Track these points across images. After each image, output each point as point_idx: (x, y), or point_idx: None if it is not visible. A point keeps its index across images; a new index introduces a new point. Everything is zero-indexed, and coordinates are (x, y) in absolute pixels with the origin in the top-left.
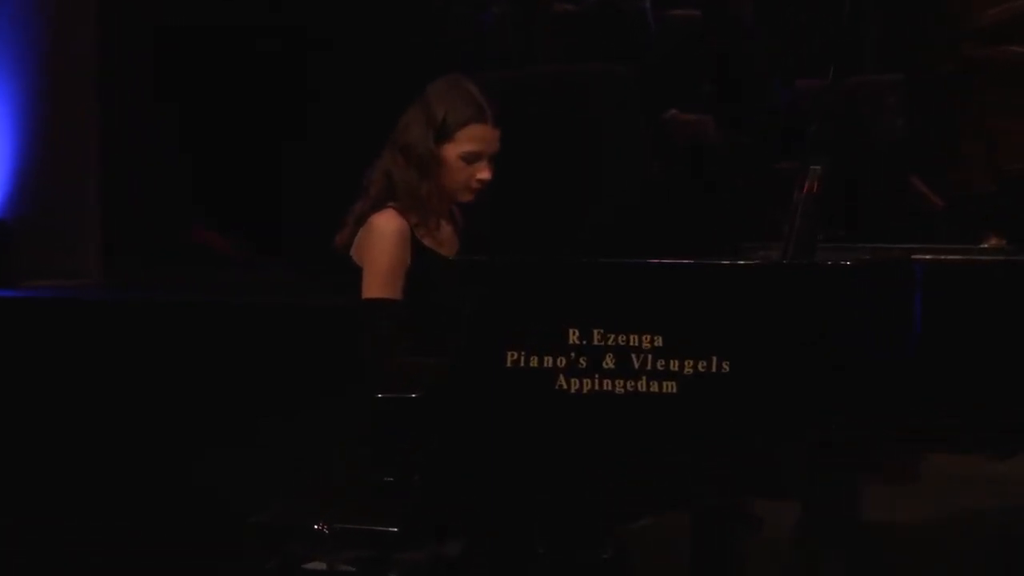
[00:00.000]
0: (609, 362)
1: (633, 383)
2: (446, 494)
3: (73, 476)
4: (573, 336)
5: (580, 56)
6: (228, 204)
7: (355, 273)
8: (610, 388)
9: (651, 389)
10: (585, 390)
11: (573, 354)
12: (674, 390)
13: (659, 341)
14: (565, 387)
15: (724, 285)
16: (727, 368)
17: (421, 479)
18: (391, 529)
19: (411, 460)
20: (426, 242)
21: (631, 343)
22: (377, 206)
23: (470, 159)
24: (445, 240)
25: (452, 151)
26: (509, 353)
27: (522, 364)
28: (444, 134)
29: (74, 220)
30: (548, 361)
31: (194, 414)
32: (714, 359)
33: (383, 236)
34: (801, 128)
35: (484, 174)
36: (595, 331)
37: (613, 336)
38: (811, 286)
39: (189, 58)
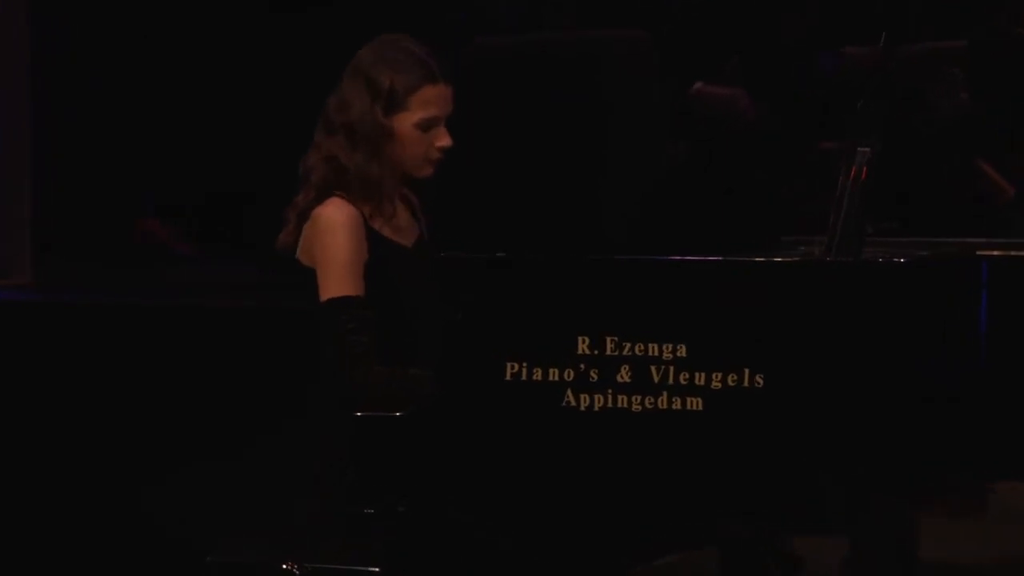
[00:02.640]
0: (624, 375)
1: (652, 399)
2: (435, 528)
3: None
4: (583, 345)
5: (590, 20)
6: (180, 193)
7: (307, 277)
8: (625, 405)
9: (673, 406)
10: (596, 407)
11: (583, 366)
12: (700, 408)
13: (682, 351)
14: (573, 404)
15: (758, 286)
16: (761, 383)
17: (406, 510)
18: (371, 569)
19: (395, 488)
20: (383, 232)
21: (650, 353)
22: (321, 197)
23: (426, 126)
24: (403, 227)
25: (405, 121)
26: (508, 365)
27: (523, 377)
28: (394, 104)
29: (1, 214)
30: (554, 374)
31: (141, 434)
32: (746, 372)
33: (332, 229)
34: (848, 103)
35: (444, 140)
36: (608, 339)
37: (629, 345)
38: (859, 287)
39: (137, 33)
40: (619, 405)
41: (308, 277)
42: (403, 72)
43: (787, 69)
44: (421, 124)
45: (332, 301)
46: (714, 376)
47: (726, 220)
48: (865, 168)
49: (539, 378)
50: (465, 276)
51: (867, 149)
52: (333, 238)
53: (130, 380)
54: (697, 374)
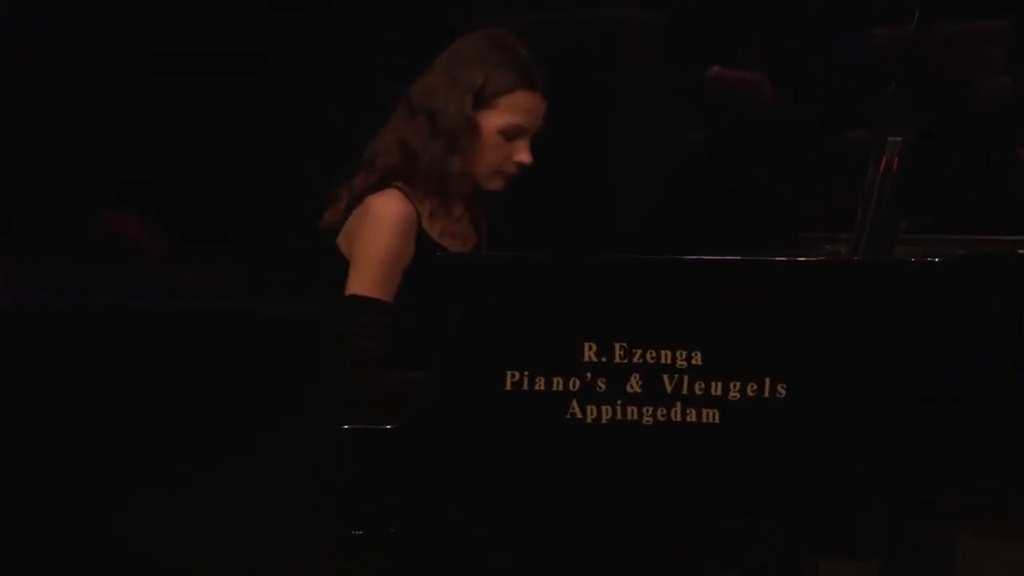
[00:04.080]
0: (634, 385)
1: (664, 411)
2: (430, 550)
3: None
4: (589, 352)
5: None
6: (152, 185)
7: (339, 265)
8: (635, 417)
9: (687, 418)
10: (604, 419)
11: (589, 374)
12: (716, 420)
13: (697, 358)
14: (579, 416)
15: (780, 287)
16: (783, 392)
17: (399, 532)
18: None
19: (385, 508)
20: (435, 236)
21: (662, 360)
22: (382, 184)
23: (511, 134)
24: (461, 234)
25: (490, 122)
26: (508, 374)
27: (525, 387)
28: (481, 101)
29: None
30: (558, 383)
31: (111, 447)
32: (767, 381)
33: (381, 222)
34: (878, 89)
35: (524, 156)
36: (617, 345)
37: (639, 352)
38: (890, 289)
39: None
40: (628, 417)
41: (339, 268)
42: (499, 70)
43: (811, 51)
44: (506, 130)
45: (355, 298)
46: (732, 386)
47: (745, 215)
48: (896, 159)
49: (541, 388)
50: (460, 277)
51: (898, 139)
52: (379, 232)
53: (100, 388)
54: (713, 383)
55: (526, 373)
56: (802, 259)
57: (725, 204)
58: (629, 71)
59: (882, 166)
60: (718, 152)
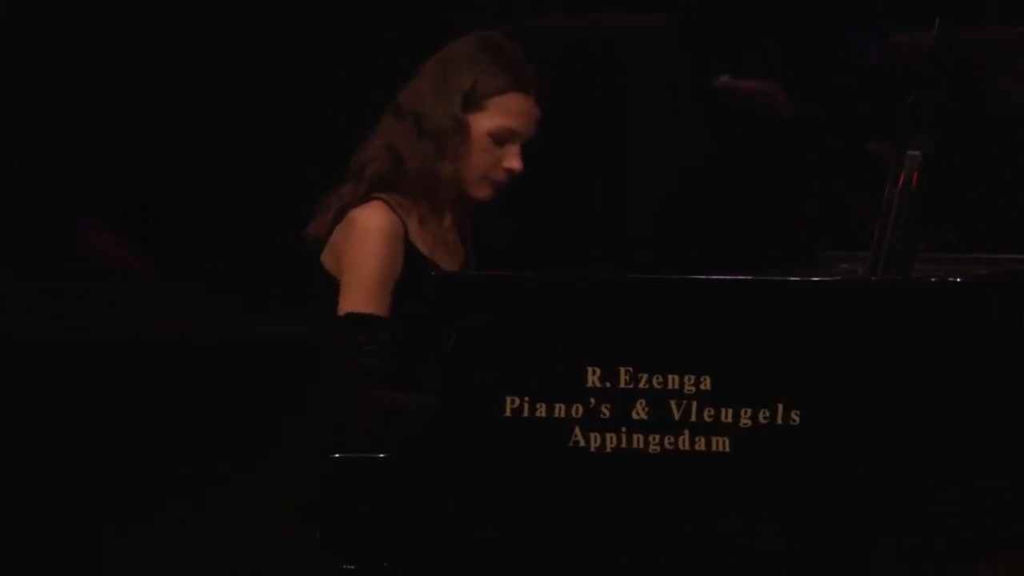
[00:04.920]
0: (640, 411)
1: (672, 439)
2: None
3: None
4: (593, 376)
5: (599, 3)
6: (130, 199)
7: (325, 282)
8: (641, 445)
9: (696, 447)
10: (609, 448)
11: (593, 400)
12: (726, 449)
13: (706, 383)
14: (582, 444)
15: (793, 309)
16: (797, 419)
17: (392, 566)
18: None
19: (379, 541)
20: (423, 250)
21: (669, 386)
22: (369, 195)
23: (501, 138)
24: (450, 247)
25: (480, 124)
26: (508, 399)
27: (526, 414)
28: (471, 103)
29: None
30: (560, 410)
31: (81, 481)
32: (780, 408)
33: (368, 236)
34: (897, 98)
35: (514, 162)
36: (622, 370)
37: (646, 377)
38: (909, 311)
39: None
40: (634, 445)
41: (324, 285)
42: (490, 72)
43: (825, 58)
44: (495, 134)
45: (352, 316)
46: (743, 412)
47: (756, 232)
48: (916, 173)
49: (543, 414)
50: (457, 296)
51: (918, 151)
52: (367, 246)
53: (70, 419)
54: (723, 410)
55: (526, 399)
56: (817, 279)
57: (735, 220)
58: (634, 79)
59: (901, 181)
60: (728, 165)
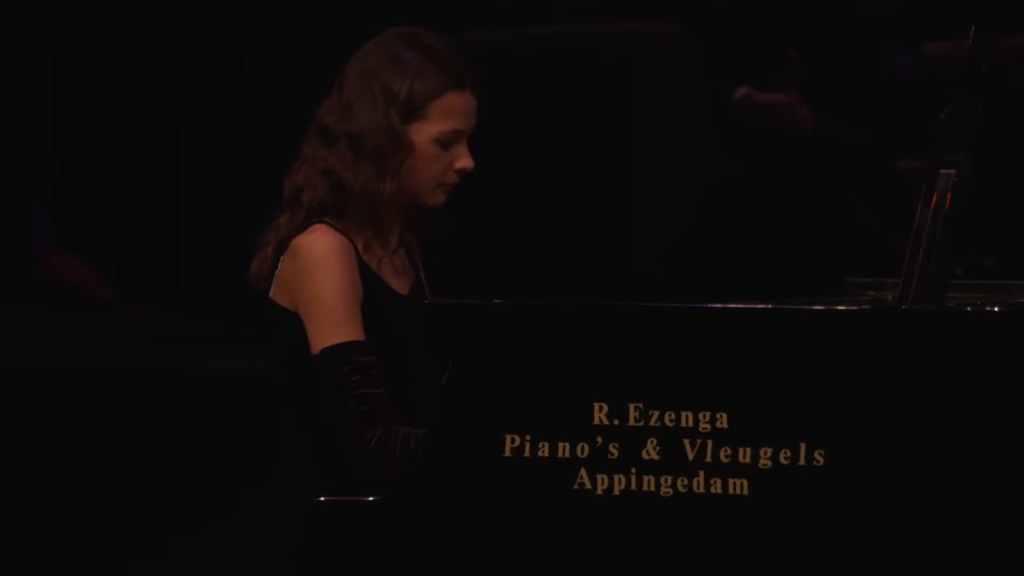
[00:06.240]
0: (651, 451)
1: (686, 481)
2: None
3: None
4: (600, 413)
5: (610, 10)
6: (96, 223)
7: (279, 320)
8: (652, 488)
9: (712, 490)
10: (617, 490)
11: (600, 439)
12: (744, 492)
13: (723, 421)
14: (588, 486)
15: (817, 340)
16: (821, 460)
17: None
18: None
19: None
20: (379, 271)
21: (683, 424)
22: (309, 222)
23: (447, 141)
24: (400, 270)
25: (423, 134)
26: (508, 438)
27: (526, 453)
28: (409, 112)
29: None
30: (564, 449)
31: (51, 520)
32: (802, 448)
33: (320, 262)
34: (929, 112)
35: (464, 161)
36: (631, 406)
37: (657, 414)
38: (943, 342)
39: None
40: (645, 488)
41: (278, 321)
42: (423, 74)
43: (851, 69)
44: (441, 138)
45: (330, 351)
46: (762, 452)
47: (778, 256)
48: (950, 193)
49: (545, 454)
50: (454, 326)
51: (952, 170)
52: (322, 272)
53: (36, 458)
54: (741, 450)
55: (528, 437)
56: (842, 308)
57: (755, 243)
58: (649, 93)
59: (934, 202)
60: (748, 184)
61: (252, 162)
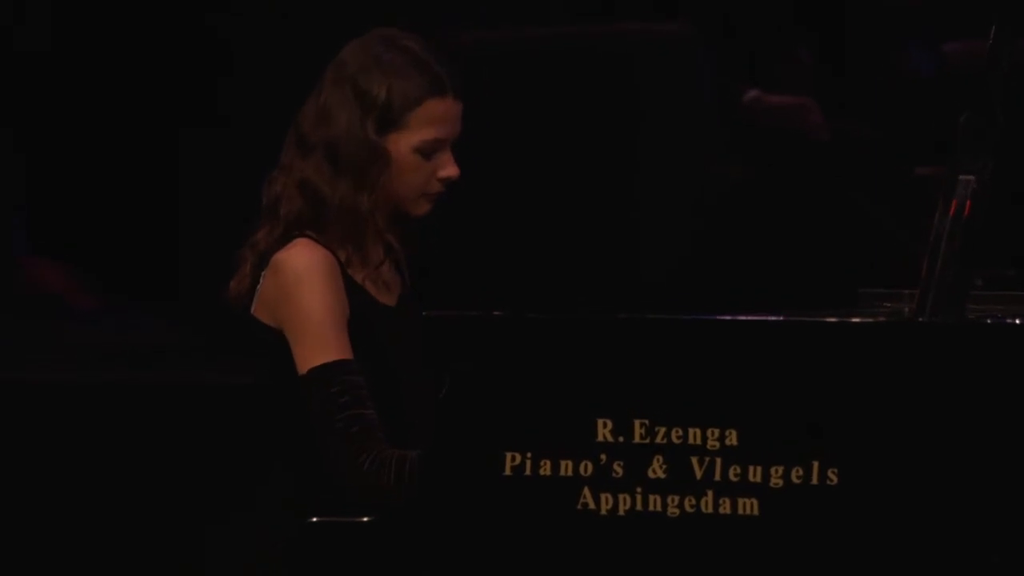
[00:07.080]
0: (658, 469)
1: (693, 500)
2: None
3: None
4: (604, 430)
5: (614, 10)
6: (80, 230)
7: (262, 338)
8: (659, 508)
9: (721, 510)
10: (622, 510)
11: (604, 457)
12: (755, 512)
13: (733, 438)
14: (592, 506)
15: (831, 353)
16: (835, 479)
17: None
18: None
19: None
20: (364, 284)
21: (691, 441)
22: (287, 237)
23: (429, 150)
24: (387, 281)
25: (403, 143)
26: (509, 456)
27: (528, 472)
28: (387, 122)
29: None
30: (567, 467)
31: (32, 542)
32: (815, 466)
33: (303, 278)
34: (948, 115)
35: (449, 170)
36: (637, 422)
37: (664, 431)
38: (962, 355)
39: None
40: (651, 508)
41: (261, 338)
42: (402, 80)
43: (866, 70)
44: (422, 148)
45: (317, 371)
46: (774, 471)
47: (791, 267)
48: (969, 200)
49: (547, 473)
50: (453, 340)
51: (972, 176)
52: (306, 289)
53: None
54: (752, 468)
55: (529, 455)
56: (857, 320)
57: (767, 252)
58: (653, 96)
59: (952, 209)
60: (759, 191)
61: (252, 162)
